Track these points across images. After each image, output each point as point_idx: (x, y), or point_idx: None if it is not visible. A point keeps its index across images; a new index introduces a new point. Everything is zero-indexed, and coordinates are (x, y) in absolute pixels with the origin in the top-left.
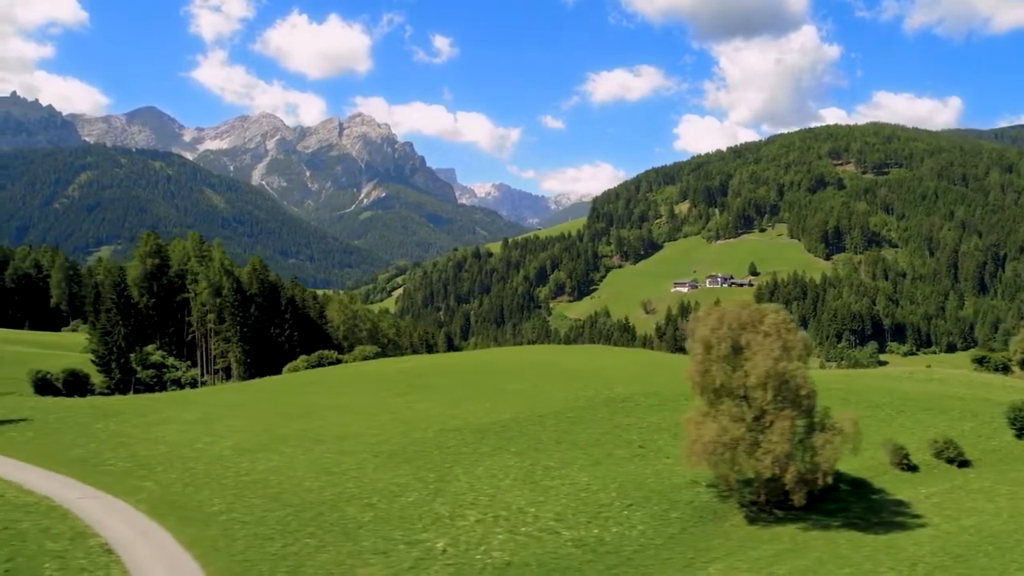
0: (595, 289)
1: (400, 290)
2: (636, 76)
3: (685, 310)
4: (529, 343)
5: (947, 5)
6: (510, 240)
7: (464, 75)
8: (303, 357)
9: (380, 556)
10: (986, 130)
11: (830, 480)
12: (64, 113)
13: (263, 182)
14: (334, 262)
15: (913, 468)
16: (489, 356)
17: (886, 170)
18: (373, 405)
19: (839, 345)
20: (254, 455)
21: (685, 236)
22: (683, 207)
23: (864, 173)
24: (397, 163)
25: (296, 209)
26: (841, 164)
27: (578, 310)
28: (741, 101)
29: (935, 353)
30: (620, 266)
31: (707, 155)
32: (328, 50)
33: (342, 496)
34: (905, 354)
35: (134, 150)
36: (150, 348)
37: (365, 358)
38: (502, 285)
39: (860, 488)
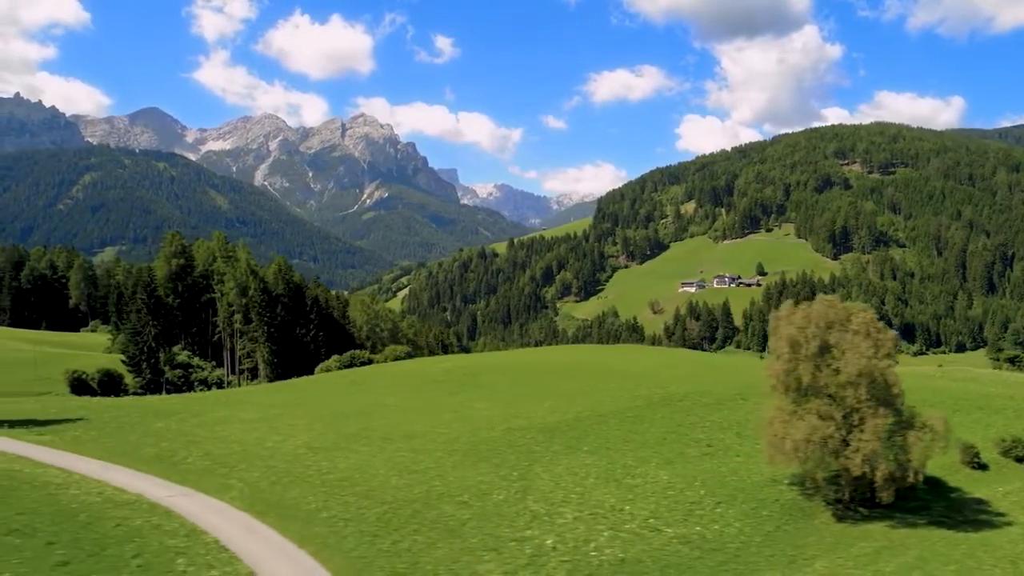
0: (601, 289)
1: (405, 290)
2: (638, 76)
3: (693, 310)
4: (537, 343)
5: (949, 5)
6: (516, 240)
7: (466, 75)
8: (335, 357)
9: (492, 553)
10: (990, 129)
11: (920, 479)
12: (67, 114)
13: (266, 183)
14: (337, 263)
15: (983, 467)
16: (529, 356)
17: (892, 170)
18: (430, 404)
19: None
20: (329, 453)
21: (691, 236)
22: (689, 207)
23: (870, 173)
24: (399, 163)
25: (299, 210)
26: (847, 164)
27: (585, 310)
28: (743, 101)
29: (945, 353)
30: (626, 266)
31: (712, 155)
32: (330, 50)
33: (431, 494)
34: (915, 354)
35: (137, 151)
36: (176, 348)
37: (396, 358)
38: (509, 285)
39: (936, 487)
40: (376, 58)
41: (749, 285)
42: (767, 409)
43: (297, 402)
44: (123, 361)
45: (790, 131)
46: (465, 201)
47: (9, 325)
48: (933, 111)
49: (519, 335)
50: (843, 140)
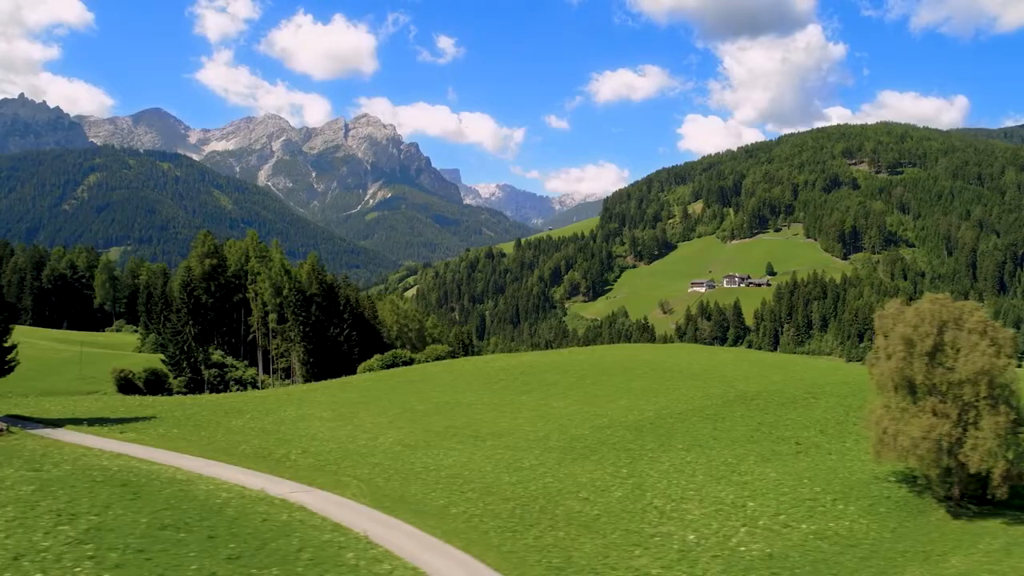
0: (610, 289)
1: (413, 290)
2: (640, 76)
3: (704, 310)
4: (547, 343)
5: (953, 4)
6: (523, 240)
7: (468, 75)
8: (377, 357)
9: (638, 548)
10: (995, 129)
11: None
12: (71, 115)
13: (269, 183)
14: (342, 263)
15: None
16: (579, 355)
17: (900, 169)
18: (505, 403)
19: (861, 345)
20: (427, 451)
21: (699, 236)
22: (696, 207)
23: (878, 173)
24: (403, 164)
25: (302, 210)
26: (855, 163)
27: (594, 310)
28: (746, 100)
29: None
30: (634, 266)
31: (718, 155)
32: (333, 50)
33: (550, 491)
34: None
35: (142, 151)
36: (210, 348)
37: (438, 358)
38: (517, 285)
39: None
40: (379, 58)
41: (759, 285)
42: (872, 407)
43: (364, 400)
44: (163, 361)
45: (794, 131)
46: (468, 201)
47: (31, 324)
48: (936, 110)
49: (529, 335)
50: (850, 140)
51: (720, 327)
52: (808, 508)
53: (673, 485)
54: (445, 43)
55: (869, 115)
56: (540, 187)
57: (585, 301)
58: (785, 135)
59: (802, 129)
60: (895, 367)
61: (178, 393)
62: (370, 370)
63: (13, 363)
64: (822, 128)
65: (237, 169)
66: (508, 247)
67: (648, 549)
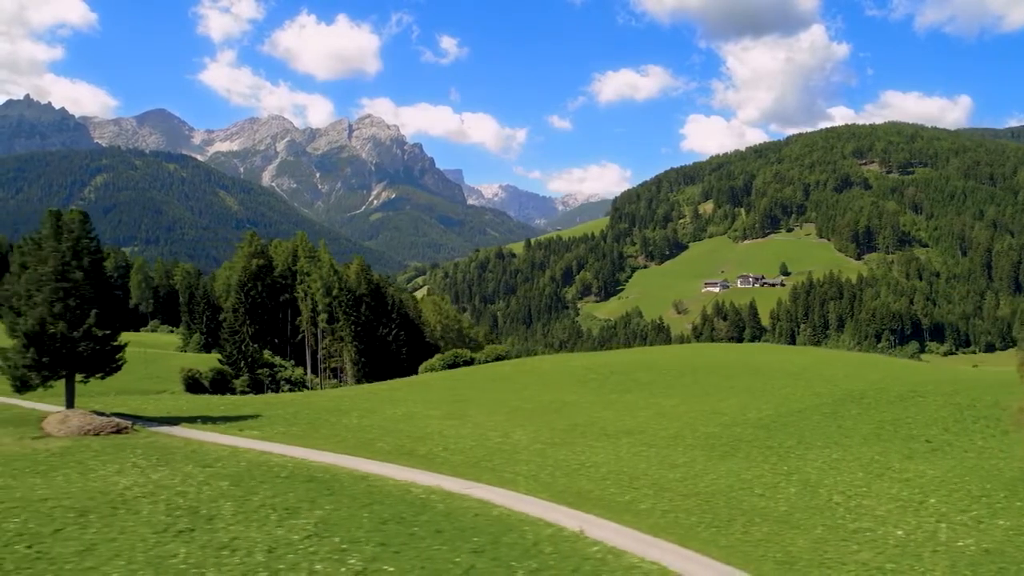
0: (622, 289)
1: (422, 291)
2: (643, 76)
3: (720, 310)
4: (561, 344)
5: (958, 3)
6: (533, 240)
7: (471, 76)
8: (438, 356)
9: (851, 543)
10: (1002, 129)
11: None
12: (76, 116)
13: (273, 184)
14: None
15: None
16: (651, 355)
17: (911, 169)
18: (612, 402)
19: (879, 345)
20: (567, 448)
21: (710, 236)
22: (707, 207)
23: (889, 172)
24: (406, 164)
25: (306, 211)
26: (865, 163)
27: (606, 310)
28: (749, 100)
29: (975, 353)
30: (645, 266)
31: (727, 155)
32: (337, 51)
33: (720, 487)
34: (945, 354)
35: (147, 152)
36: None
37: (498, 357)
38: (528, 286)
39: None
40: (382, 58)
41: (773, 285)
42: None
43: (460, 399)
44: (220, 360)
45: (799, 131)
46: (471, 202)
47: None
48: (940, 110)
49: (542, 335)
50: (860, 140)
51: (736, 327)
52: (986, 505)
53: (840, 482)
54: (448, 43)
55: (873, 115)
56: (542, 187)
57: (597, 301)
58: (794, 135)
59: (806, 129)
60: None
61: (242, 392)
62: (431, 369)
63: (121, 362)
64: (832, 128)
65: (241, 170)
66: (518, 247)
67: (862, 544)
